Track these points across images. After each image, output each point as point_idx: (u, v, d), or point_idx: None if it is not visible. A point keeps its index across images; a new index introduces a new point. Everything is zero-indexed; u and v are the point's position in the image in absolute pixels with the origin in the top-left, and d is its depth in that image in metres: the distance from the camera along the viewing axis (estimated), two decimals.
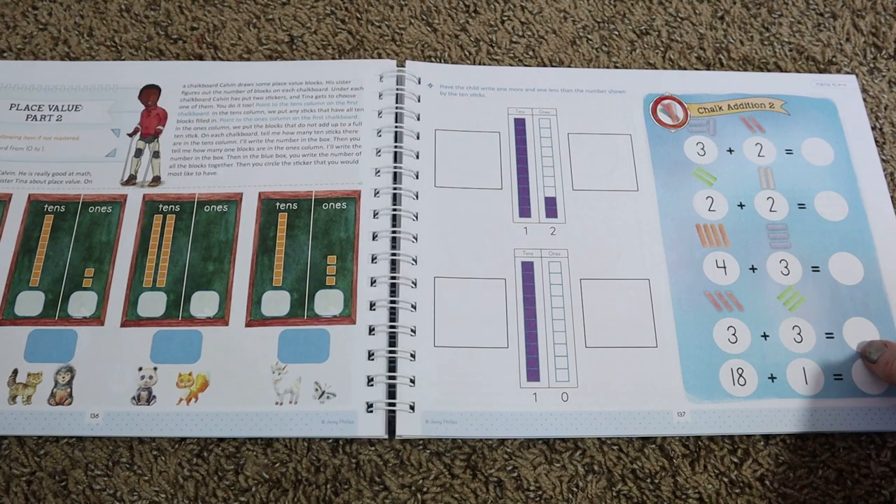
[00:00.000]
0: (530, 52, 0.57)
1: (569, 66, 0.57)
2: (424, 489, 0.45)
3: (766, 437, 0.46)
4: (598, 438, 0.46)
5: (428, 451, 0.46)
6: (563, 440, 0.46)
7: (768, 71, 0.57)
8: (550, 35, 0.58)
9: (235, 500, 0.44)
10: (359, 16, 0.59)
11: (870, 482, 0.46)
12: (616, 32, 0.59)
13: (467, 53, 0.57)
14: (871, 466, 0.46)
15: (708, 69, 0.57)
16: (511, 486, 0.45)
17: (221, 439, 0.46)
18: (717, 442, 0.46)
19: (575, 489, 0.45)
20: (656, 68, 0.57)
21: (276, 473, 0.45)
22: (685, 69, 0.57)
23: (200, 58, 0.57)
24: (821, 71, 0.57)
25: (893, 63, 0.58)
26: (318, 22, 0.59)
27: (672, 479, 0.45)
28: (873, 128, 0.55)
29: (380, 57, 0.57)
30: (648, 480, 0.45)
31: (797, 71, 0.57)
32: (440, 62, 0.57)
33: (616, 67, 0.57)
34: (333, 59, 0.57)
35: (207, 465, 0.45)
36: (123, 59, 0.57)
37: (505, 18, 0.59)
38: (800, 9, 0.60)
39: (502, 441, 0.46)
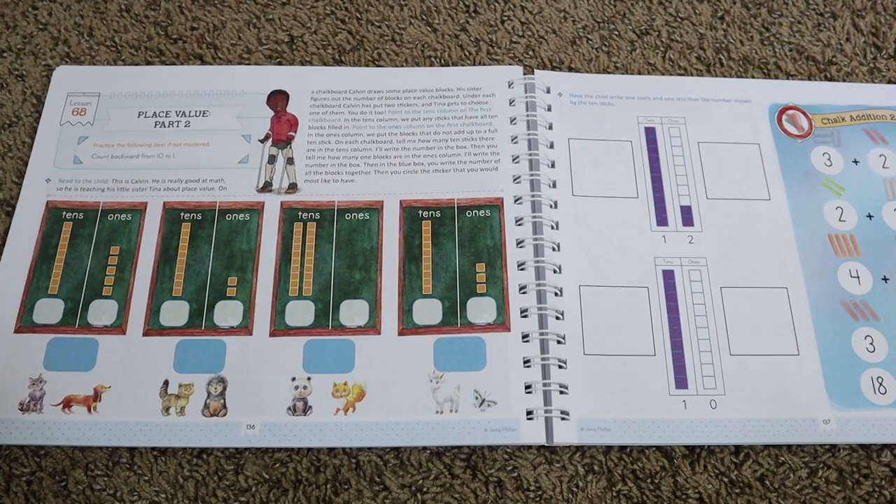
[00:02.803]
0: (530, 52, 0.58)
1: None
2: (424, 489, 0.45)
3: None
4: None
5: (428, 452, 0.46)
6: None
7: (768, 71, 0.58)
8: (550, 35, 0.59)
9: (235, 500, 0.44)
10: (359, 16, 0.59)
11: (870, 483, 0.46)
12: (616, 32, 0.59)
13: (467, 53, 0.57)
14: (871, 467, 0.47)
15: (708, 69, 0.58)
16: (511, 486, 0.45)
17: None
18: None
19: (575, 489, 0.45)
20: (656, 68, 0.58)
21: (276, 473, 0.45)
22: (685, 69, 0.58)
23: (201, 58, 0.56)
24: (821, 71, 0.58)
25: (893, 63, 0.59)
26: (318, 22, 0.58)
27: (672, 479, 0.46)
28: None
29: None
30: (648, 480, 0.46)
31: (797, 71, 0.58)
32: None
33: (616, 68, 0.58)
34: (334, 59, 0.57)
35: (207, 465, 0.45)
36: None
37: (505, 18, 0.59)
38: (800, 9, 0.61)
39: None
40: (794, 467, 0.46)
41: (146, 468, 0.45)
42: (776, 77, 0.58)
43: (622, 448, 0.46)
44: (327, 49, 0.57)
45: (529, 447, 0.46)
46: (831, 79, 0.58)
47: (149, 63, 0.56)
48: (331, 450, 0.45)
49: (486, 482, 0.45)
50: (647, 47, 0.59)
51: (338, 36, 0.58)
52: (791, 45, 0.59)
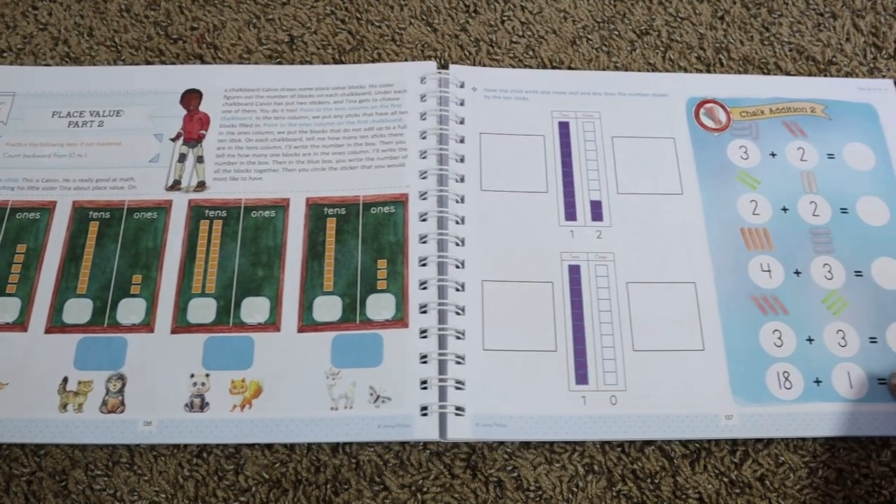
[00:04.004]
0: (530, 52, 0.58)
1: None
2: (424, 489, 0.45)
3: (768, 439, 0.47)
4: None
5: (428, 451, 0.46)
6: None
7: (768, 71, 0.57)
8: (550, 35, 0.58)
9: (235, 500, 0.44)
10: (359, 16, 0.59)
11: (870, 482, 0.46)
12: (616, 32, 0.59)
13: (467, 53, 0.57)
14: (871, 466, 0.46)
15: (708, 69, 0.57)
16: (511, 486, 0.45)
17: None
18: (717, 442, 0.46)
19: (575, 489, 0.45)
20: (656, 68, 0.57)
21: (276, 473, 0.45)
22: (685, 69, 0.57)
23: (201, 58, 0.57)
24: (821, 71, 0.58)
25: (893, 63, 0.58)
26: (318, 22, 0.59)
27: (672, 479, 0.46)
28: None
29: (390, 58, 0.57)
30: (648, 480, 0.46)
31: (797, 71, 0.57)
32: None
33: (616, 68, 0.57)
34: (334, 59, 0.57)
35: (207, 465, 0.45)
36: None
37: (505, 18, 0.59)
38: (800, 9, 0.60)
39: (502, 441, 0.46)
40: (794, 467, 0.46)
41: (146, 468, 0.45)
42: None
43: (622, 447, 0.46)
44: (327, 49, 0.58)
45: (528, 445, 0.46)
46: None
47: (148, 63, 0.57)
48: (332, 449, 0.46)
49: (486, 482, 0.45)
50: (647, 47, 0.58)
51: (338, 36, 0.58)
52: (791, 45, 0.59)
